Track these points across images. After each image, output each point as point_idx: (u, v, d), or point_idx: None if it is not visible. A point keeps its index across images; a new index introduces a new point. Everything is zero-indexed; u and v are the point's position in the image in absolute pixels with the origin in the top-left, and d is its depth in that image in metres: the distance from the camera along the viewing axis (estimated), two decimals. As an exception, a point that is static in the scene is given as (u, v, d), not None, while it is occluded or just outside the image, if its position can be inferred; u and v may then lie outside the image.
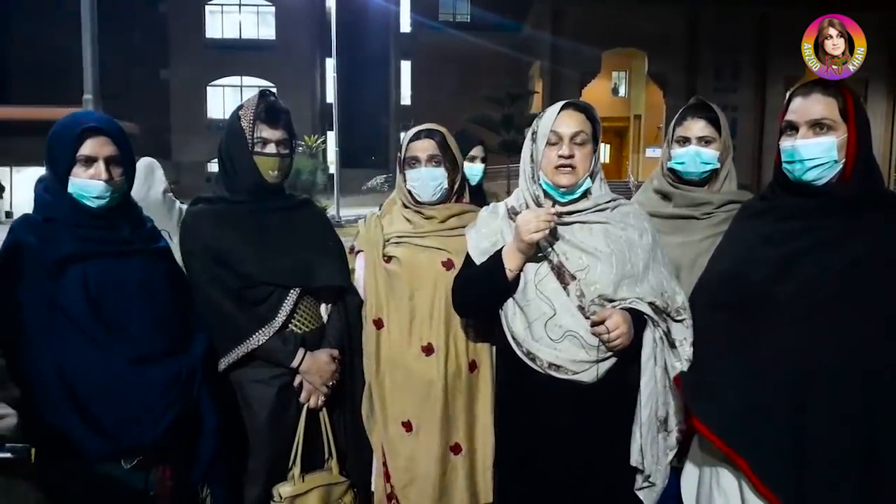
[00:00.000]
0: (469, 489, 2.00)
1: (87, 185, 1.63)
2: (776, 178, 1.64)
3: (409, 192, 2.06)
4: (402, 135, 2.14)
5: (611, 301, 1.67)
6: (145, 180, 3.63)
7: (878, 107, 24.37)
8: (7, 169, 20.51)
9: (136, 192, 4.03)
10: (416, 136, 2.07)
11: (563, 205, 1.75)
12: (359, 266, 2.11)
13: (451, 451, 2.00)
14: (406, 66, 30.35)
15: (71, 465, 1.53)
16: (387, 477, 2.05)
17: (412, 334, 2.00)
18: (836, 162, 1.51)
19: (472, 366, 2.01)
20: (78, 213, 1.64)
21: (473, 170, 2.76)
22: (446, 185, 2.05)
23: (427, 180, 2.02)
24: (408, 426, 2.01)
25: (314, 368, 1.98)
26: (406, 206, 2.09)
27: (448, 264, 1.99)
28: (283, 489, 1.96)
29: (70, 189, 1.63)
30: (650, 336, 1.66)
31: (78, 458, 1.53)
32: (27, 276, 1.48)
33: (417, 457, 1.99)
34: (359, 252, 2.12)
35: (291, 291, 1.99)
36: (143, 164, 3.58)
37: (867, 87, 23.99)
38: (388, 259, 2.04)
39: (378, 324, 2.04)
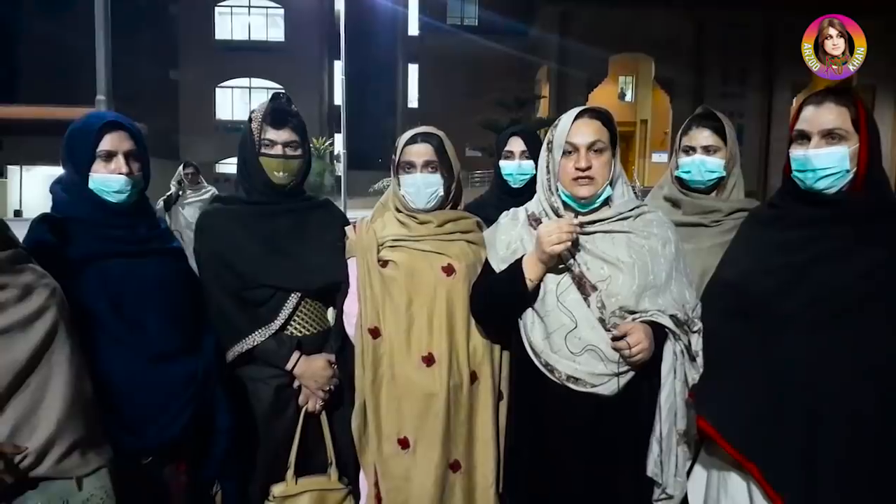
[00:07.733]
0: None
1: (108, 179, 1.67)
2: (785, 187, 1.64)
3: (403, 197, 1.96)
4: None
5: (632, 313, 1.64)
6: None
7: (886, 114, 24.21)
8: (17, 167, 20.61)
9: None
10: (413, 140, 1.95)
11: (584, 215, 1.71)
12: (351, 273, 1.98)
13: (450, 468, 1.89)
14: (414, 69, 30.33)
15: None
16: (378, 499, 1.91)
17: (411, 344, 1.88)
18: (847, 171, 1.52)
19: (473, 377, 1.90)
20: (98, 210, 1.68)
21: (508, 168, 2.47)
22: (442, 193, 1.94)
23: (422, 187, 1.92)
24: (404, 443, 1.88)
25: (308, 373, 1.99)
26: (399, 211, 1.98)
27: (448, 270, 1.90)
28: (276, 488, 1.99)
29: (91, 185, 1.67)
30: (671, 349, 1.63)
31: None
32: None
33: (413, 476, 1.87)
34: (350, 258, 2.00)
35: (292, 295, 2.00)
36: None
37: (874, 94, 23.86)
38: (385, 263, 1.92)
39: (374, 333, 1.90)
